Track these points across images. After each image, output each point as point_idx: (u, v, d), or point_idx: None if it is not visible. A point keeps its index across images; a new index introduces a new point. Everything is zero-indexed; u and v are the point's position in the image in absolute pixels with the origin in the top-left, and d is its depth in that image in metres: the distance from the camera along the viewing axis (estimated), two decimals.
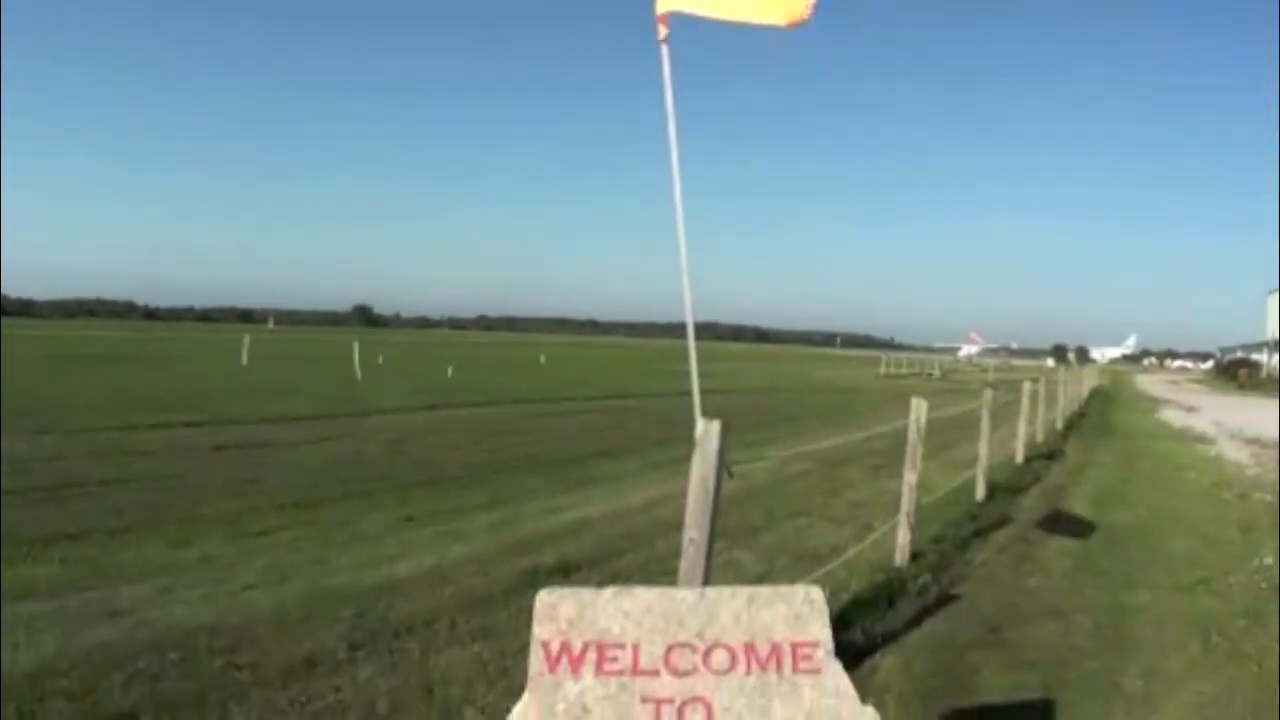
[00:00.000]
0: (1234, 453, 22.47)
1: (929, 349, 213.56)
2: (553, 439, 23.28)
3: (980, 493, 14.88)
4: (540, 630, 2.39)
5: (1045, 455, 21.32)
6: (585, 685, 2.31)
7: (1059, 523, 13.29)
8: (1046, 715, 6.69)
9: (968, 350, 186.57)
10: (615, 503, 14.48)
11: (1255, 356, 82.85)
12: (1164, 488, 17.59)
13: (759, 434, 22.09)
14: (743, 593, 2.49)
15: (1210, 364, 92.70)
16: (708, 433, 4.90)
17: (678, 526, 5.36)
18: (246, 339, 59.62)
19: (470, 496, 14.91)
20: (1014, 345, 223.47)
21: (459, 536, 12.03)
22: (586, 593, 2.45)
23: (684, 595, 2.48)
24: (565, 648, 2.36)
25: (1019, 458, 19.59)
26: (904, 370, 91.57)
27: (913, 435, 10.40)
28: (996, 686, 7.23)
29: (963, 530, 12.56)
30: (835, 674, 2.37)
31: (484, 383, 45.19)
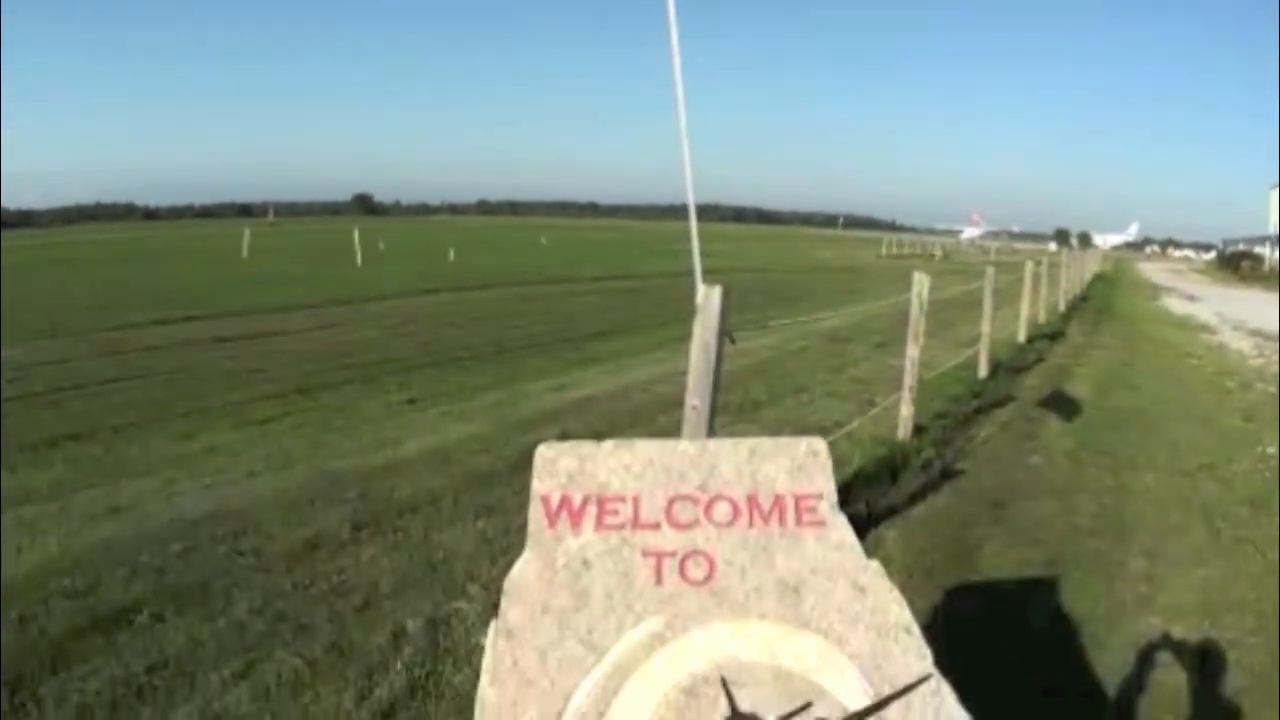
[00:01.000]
0: (1236, 343, 22.35)
1: (931, 231, 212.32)
2: (554, 320, 23.23)
3: (983, 370, 14.89)
4: (540, 485, 2.35)
5: (1048, 336, 21.27)
6: (586, 540, 2.27)
7: (1061, 403, 13.25)
8: (1050, 592, 6.67)
9: (970, 233, 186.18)
10: (618, 380, 14.49)
11: (1258, 249, 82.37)
12: (1166, 373, 17.54)
13: (760, 312, 22.03)
14: (744, 444, 2.44)
15: (1213, 255, 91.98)
16: (709, 299, 4.83)
17: (680, 403, 5.31)
18: (246, 232, 59.19)
19: (472, 378, 14.94)
20: (1016, 229, 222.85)
21: (461, 417, 12.06)
22: (586, 446, 2.40)
23: (685, 448, 2.43)
24: (565, 502, 2.31)
25: (1021, 337, 19.58)
26: (906, 251, 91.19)
27: (915, 310, 10.31)
28: (999, 563, 7.25)
29: (965, 407, 12.58)
30: (839, 526, 2.33)
31: (485, 265, 44.98)
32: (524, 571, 2.25)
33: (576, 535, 2.28)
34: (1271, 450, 10.60)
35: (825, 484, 2.37)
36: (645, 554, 2.24)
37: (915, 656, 2.18)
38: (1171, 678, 5.35)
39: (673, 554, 2.25)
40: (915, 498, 8.59)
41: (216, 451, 10.28)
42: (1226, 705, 5.09)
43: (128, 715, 4.96)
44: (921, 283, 10.28)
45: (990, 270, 15.77)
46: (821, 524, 2.31)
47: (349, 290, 29.74)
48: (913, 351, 10.27)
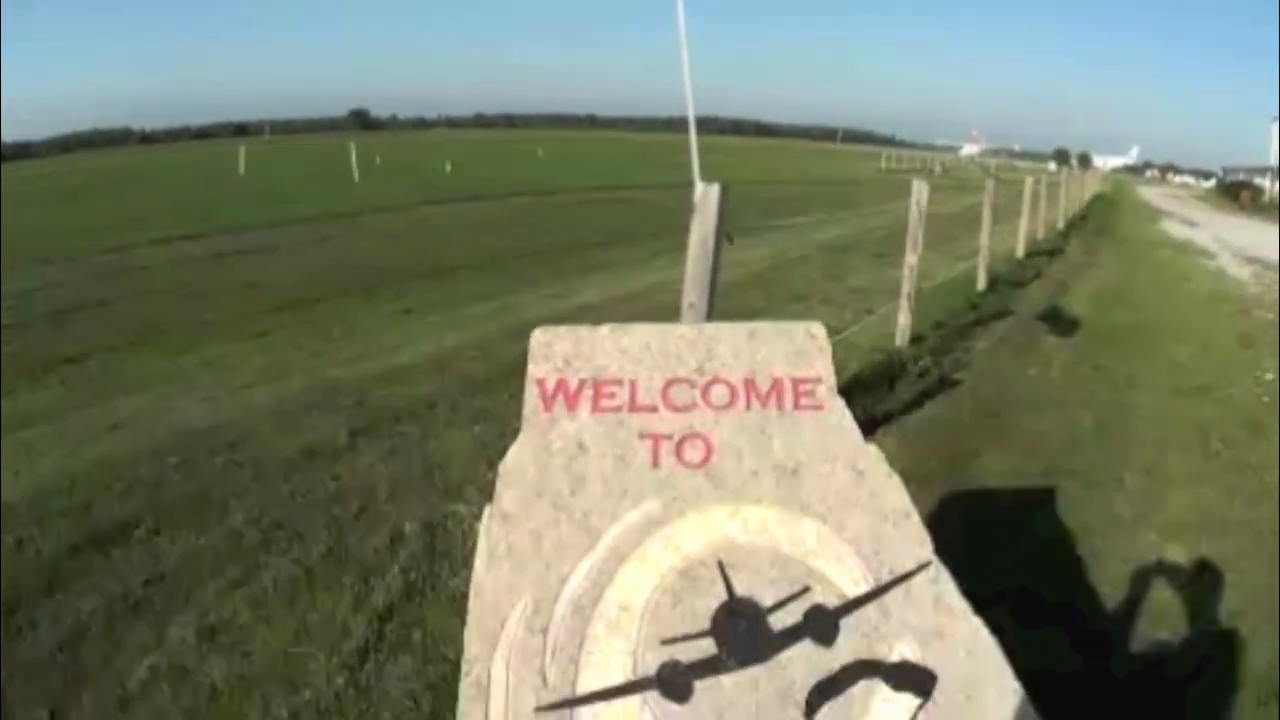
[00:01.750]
0: (1235, 269, 22.11)
1: (930, 147, 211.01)
2: (551, 231, 23.15)
3: (981, 283, 14.81)
4: (535, 368, 2.31)
5: (1046, 253, 21.10)
6: (582, 422, 2.24)
7: (1060, 318, 13.22)
8: (1047, 503, 6.65)
9: (969, 150, 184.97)
10: (615, 289, 14.48)
11: (1257, 180, 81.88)
12: (1164, 294, 17.40)
13: (758, 222, 21.91)
14: (742, 328, 2.40)
15: (1213, 182, 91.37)
16: (707, 196, 4.75)
17: (678, 309, 5.29)
18: (242, 150, 58.83)
19: (469, 287, 14.93)
20: (1016, 147, 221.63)
21: (458, 325, 12.07)
22: (583, 330, 2.37)
23: (682, 331, 2.40)
24: (561, 385, 2.28)
25: (1019, 252, 19.45)
26: (904, 166, 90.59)
27: (914, 218, 10.21)
28: (997, 471, 7.22)
29: (963, 318, 12.54)
30: (838, 410, 2.30)
31: (482, 177, 44.70)
32: (519, 455, 2.23)
33: (572, 418, 2.25)
34: (1270, 376, 10.51)
35: (824, 368, 2.34)
36: (642, 436, 2.22)
37: (915, 543, 2.16)
38: (1168, 595, 5.35)
39: (670, 437, 2.23)
40: (912, 405, 8.56)
41: (213, 366, 10.30)
42: (1222, 625, 5.09)
43: (123, 631, 4.96)
44: (920, 191, 10.21)
45: (990, 184, 15.66)
46: (820, 408, 2.29)
47: (345, 204, 29.57)
48: (911, 260, 10.18)
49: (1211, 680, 4.48)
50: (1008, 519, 6.37)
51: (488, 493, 5.55)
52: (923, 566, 2.12)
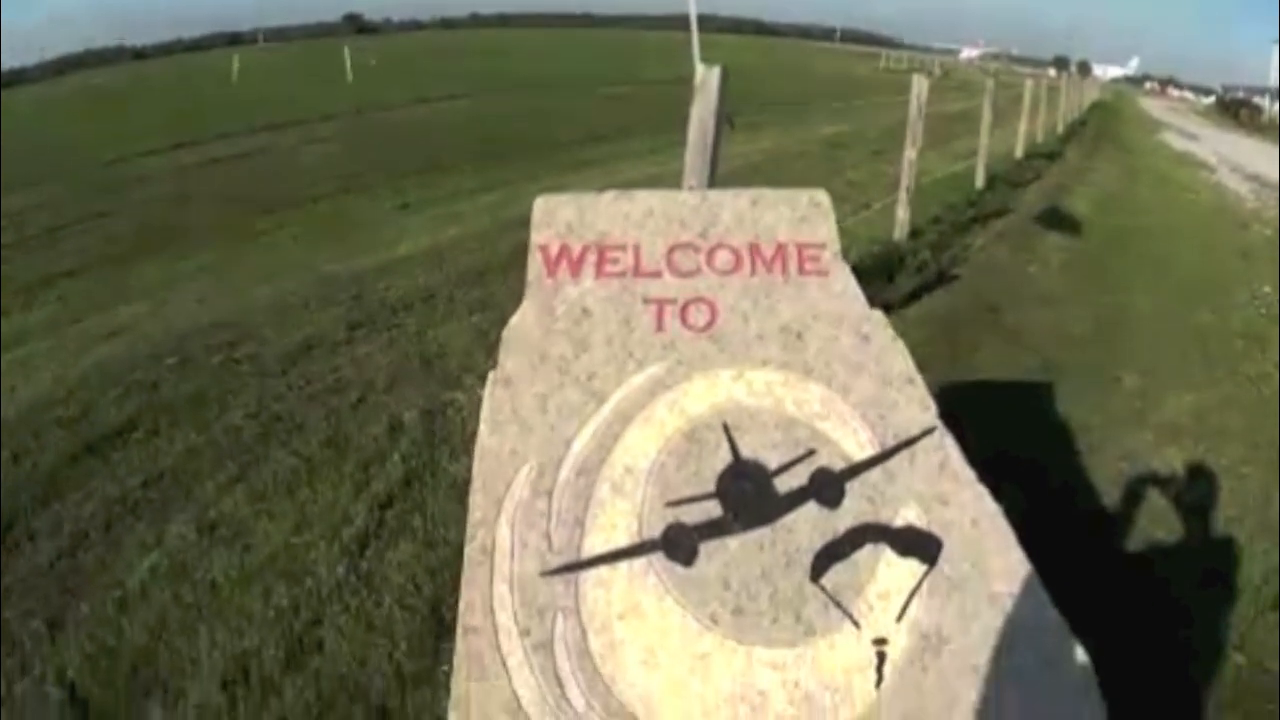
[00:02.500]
0: (1234, 184, 21.90)
1: (929, 49, 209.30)
2: (547, 126, 23.06)
3: (980, 181, 14.78)
4: (538, 235, 2.29)
5: (1045, 155, 20.92)
6: (585, 288, 2.22)
7: (1059, 218, 13.17)
8: (1046, 398, 6.68)
9: (968, 53, 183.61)
10: (612, 180, 14.23)
11: (1257, 99, 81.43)
12: (1164, 203, 17.28)
13: (755, 117, 21.77)
14: (746, 194, 2.38)
15: (1212, 99, 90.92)
16: (707, 79, 4.70)
17: None
18: (235, 58, 58.39)
19: (465, 182, 14.98)
20: (1015, 51, 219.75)
21: (454, 219, 12.11)
22: (586, 197, 2.34)
23: (685, 197, 2.37)
24: (564, 251, 2.26)
25: (1019, 153, 19.33)
26: (904, 67, 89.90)
27: (914, 111, 10.16)
28: (995, 364, 7.27)
29: (962, 215, 12.53)
30: (843, 276, 2.29)
31: (476, 74, 44.37)
32: (522, 321, 2.22)
33: (576, 284, 2.24)
34: (1268, 289, 10.44)
35: (828, 234, 2.33)
36: (646, 301, 2.21)
37: (919, 408, 2.16)
38: (1164, 499, 5.37)
39: (674, 301, 2.21)
40: (911, 298, 8.59)
41: (212, 269, 10.36)
42: (1218, 529, 5.12)
43: (123, 533, 4.99)
44: (920, 85, 10.18)
45: (990, 83, 15.65)
46: (825, 273, 2.28)
47: (340, 106, 29.44)
48: (910, 155, 10.15)
49: (1195, 578, 4.52)
50: (1005, 413, 6.27)
51: (486, 380, 5.59)
52: (927, 432, 2.12)
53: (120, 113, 37.64)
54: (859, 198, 12.38)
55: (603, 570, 1.98)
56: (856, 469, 2.06)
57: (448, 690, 3.24)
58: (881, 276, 8.75)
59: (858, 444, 2.09)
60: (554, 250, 2.26)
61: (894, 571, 2.00)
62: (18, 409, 6.75)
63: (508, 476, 2.05)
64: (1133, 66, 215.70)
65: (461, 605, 2.00)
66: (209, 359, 7.38)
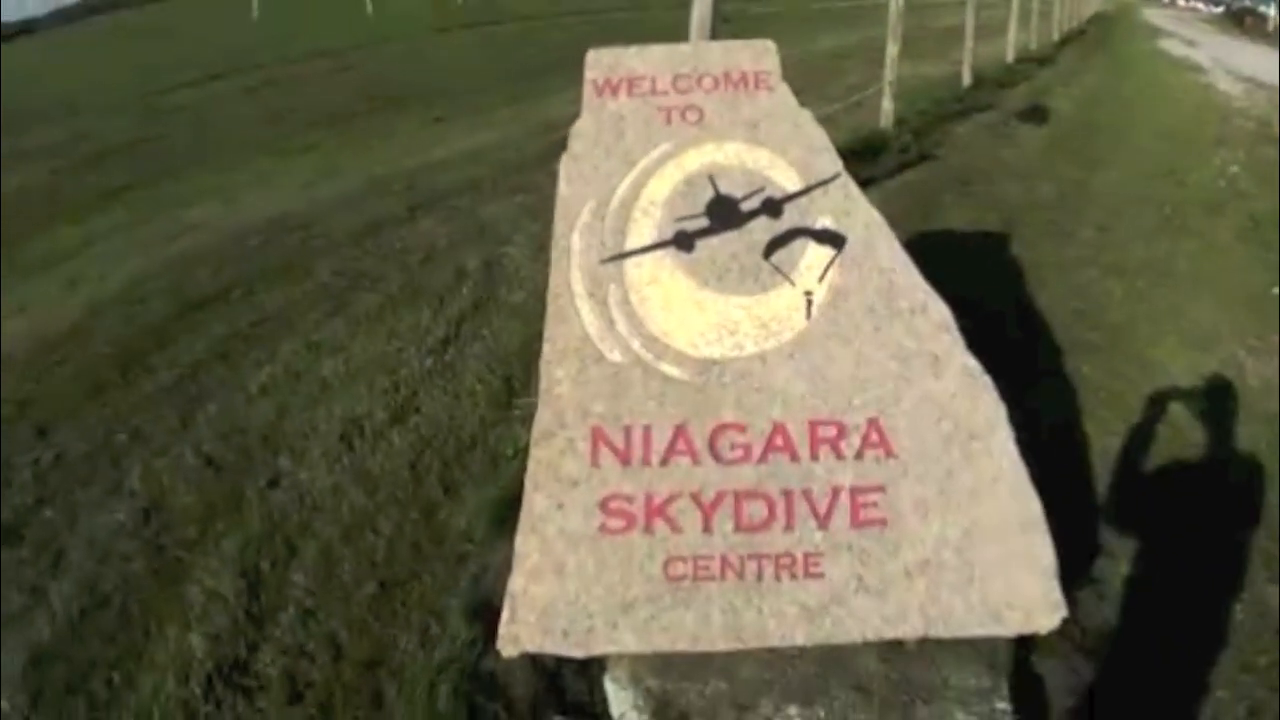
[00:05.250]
0: (1225, 85, 21.53)
1: None
2: (569, 46, 23.40)
3: (966, 79, 15.16)
4: (590, 73, 3.54)
5: (1037, 61, 21.19)
6: (621, 103, 3.48)
7: (1039, 112, 13.86)
8: (1002, 246, 7.57)
9: None
10: None
11: (1262, 8, 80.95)
12: (1150, 101, 17.55)
13: (753, 29, 21.99)
14: (719, 45, 3.68)
15: (1221, 9, 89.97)
16: None
17: None
18: None
19: (493, 98, 15.68)
20: None
21: (488, 126, 13.00)
22: (619, 50, 3.60)
23: (684, 48, 3.65)
24: (608, 82, 3.51)
25: (1009, 57, 19.41)
26: None
27: (893, 13, 10.82)
28: (961, 220, 8.18)
29: (946, 109, 13.16)
30: (783, 91, 3.52)
31: (479, 6, 44.28)
32: (583, 124, 3.49)
33: (615, 101, 3.51)
34: (1236, 169, 10.92)
35: (772, 65, 3.57)
36: (659, 109, 3.48)
37: (831, 163, 3.41)
38: (1105, 321, 6.35)
39: (678, 108, 3.49)
40: (891, 173, 9.53)
41: (267, 177, 11.04)
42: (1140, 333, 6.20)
43: (240, 357, 6.04)
44: None
45: None
46: (772, 89, 3.53)
47: (364, 35, 29.81)
48: (892, 50, 10.82)
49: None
50: (962, 254, 7.35)
51: (535, 242, 6.83)
52: (836, 175, 3.38)
53: (144, 51, 36.91)
54: (853, 99, 13.02)
55: (637, 258, 3.23)
56: (790, 196, 3.29)
57: (522, 425, 4.54)
58: (867, 156, 9.58)
59: (792, 184, 3.33)
60: (601, 82, 3.52)
61: (815, 253, 3.21)
62: (115, 288, 7.47)
63: (576, 209, 3.28)
64: None
65: (550, 285, 3.23)
66: (287, 239, 8.36)
